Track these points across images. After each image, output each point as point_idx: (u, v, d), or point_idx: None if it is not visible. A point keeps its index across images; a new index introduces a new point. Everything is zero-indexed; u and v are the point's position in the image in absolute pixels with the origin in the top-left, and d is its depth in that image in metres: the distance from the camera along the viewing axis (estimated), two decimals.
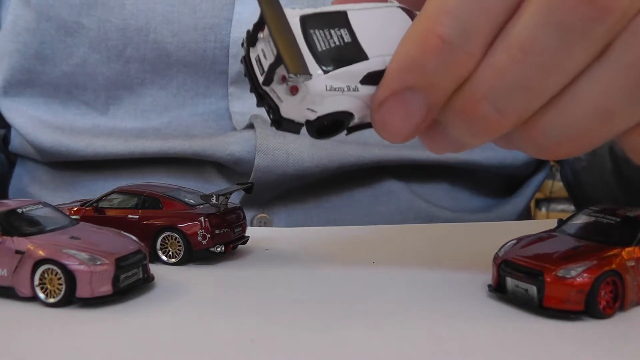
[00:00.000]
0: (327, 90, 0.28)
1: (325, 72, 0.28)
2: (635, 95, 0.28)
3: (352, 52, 0.28)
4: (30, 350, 0.30)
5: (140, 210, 0.44)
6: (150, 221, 0.43)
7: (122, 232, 0.39)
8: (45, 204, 0.39)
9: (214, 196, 0.43)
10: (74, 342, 0.31)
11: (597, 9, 0.26)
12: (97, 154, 0.59)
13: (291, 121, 0.29)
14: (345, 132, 0.30)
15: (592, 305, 0.33)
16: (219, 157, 0.58)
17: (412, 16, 0.31)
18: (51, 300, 0.35)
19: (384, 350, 0.30)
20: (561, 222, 0.39)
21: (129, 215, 0.43)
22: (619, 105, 0.28)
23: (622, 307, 0.34)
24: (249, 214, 0.58)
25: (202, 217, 0.42)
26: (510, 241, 0.38)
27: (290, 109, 0.28)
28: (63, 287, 0.34)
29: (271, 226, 0.59)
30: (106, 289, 0.35)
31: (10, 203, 0.38)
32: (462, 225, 0.56)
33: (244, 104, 0.60)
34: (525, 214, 0.69)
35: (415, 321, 0.34)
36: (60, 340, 0.31)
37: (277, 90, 0.29)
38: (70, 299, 0.35)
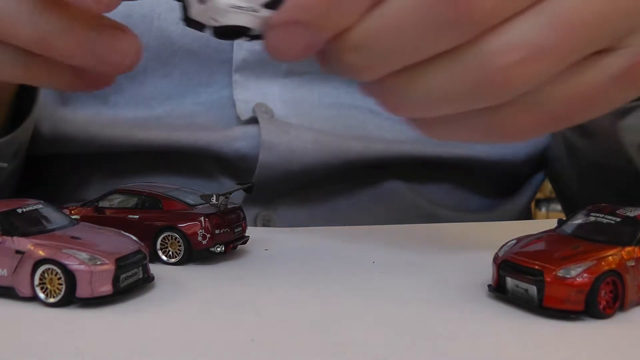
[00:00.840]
0: (230, 7, 0.32)
1: None
2: (471, 95, 0.32)
3: None
4: (30, 350, 0.30)
5: (140, 210, 0.44)
6: (150, 221, 0.43)
7: (122, 232, 0.39)
8: (45, 204, 0.39)
9: (214, 196, 0.43)
10: (74, 342, 0.31)
11: (458, 13, 0.30)
12: (99, 144, 0.59)
13: (197, 22, 0.33)
14: (247, 38, 0.34)
15: (592, 305, 0.33)
16: (225, 153, 0.58)
17: None
18: (51, 300, 0.35)
19: (384, 350, 0.30)
20: (561, 222, 0.39)
21: (129, 215, 0.43)
22: (454, 96, 0.32)
23: (622, 307, 0.34)
24: (251, 212, 0.58)
25: (202, 217, 0.42)
26: (510, 241, 0.38)
27: (197, 13, 0.32)
28: (63, 287, 0.34)
29: (274, 223, 0.59)
30: (106, 289, 0.35)
31: (10, 203, 0.38)
32: (463, 225, 0.56)
33: (248, 92, 0.60)
34: (526, 214, 0.69)
35: (414, 321, 0.34)
36: (60, 340, 0.31)
37: None
38: (70, 299, 0.35)
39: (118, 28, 0.34)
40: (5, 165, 0.55)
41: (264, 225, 0.59)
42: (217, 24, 0.32)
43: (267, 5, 0.32)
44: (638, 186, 0.54)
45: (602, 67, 0.33)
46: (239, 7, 0.32)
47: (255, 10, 0.32)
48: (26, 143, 0.57)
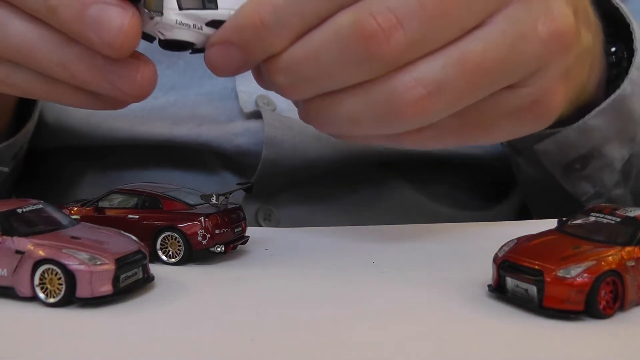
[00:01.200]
0: (176, 24, 0.35)
1: (179, 10, 0.35)
2: (380, 123, 0.36)
3: (207, 1, 0.36)
4: (30, 350, 0.30)
5: (140, 210, 0.44)
6: (150, 221, 0.43)
7: (122, 232, 0.39)
8: (46, 204, 0.39)
9: (214, 196, 0.43)
10: (74, 342, 0.31)
11: (369, 53, 0.33)
12: (100, 137, 0.59)
13: (146, 34, 0.35)
14: (190, 51, 0.37)
15: (592, 305, 0.33)
16: (226, 149, 0.58)
17: None
18: (51, 300, 0.35)
19: (384, 350, 0.30)
20: (561, 222, 0.39)
21: (129, 215, 0.43)
22: (366, 124, 0.36)
23: (622, 307, 0.34)
24: (252, 207, 0.58)
25: (202, 217, 0.42)
26: (510, 241, 0.38)
27: (147, 26, 0.35)
28: (63, 287, 0.34)
29: (275, 218, 0.59)
30: (106, 289, 0.35)
31: (10, 203, 0.38)
32: (462, 225, 0.56)
33: (250, 84, 0.60)
34: (525, 214, 0.69)
35: (415, 321, 0.34)
36: (60, 340, 0.31)
37: (142, 10, 0.35)
38: (70, 299, 0.35)
39: (134, 57, 0.35)
40: (6, 169, 0.55)
41: (264, 220, 0.59)
42: (163, 37, 0.35)
43: (211, 24, 0.35)
44: (572, 202, 0.55)
45: (502, 101, 0.37)
46: (185, 25, 0.35)
47: (199, 28, 0.35)
48: (26, 144, 0.57)
